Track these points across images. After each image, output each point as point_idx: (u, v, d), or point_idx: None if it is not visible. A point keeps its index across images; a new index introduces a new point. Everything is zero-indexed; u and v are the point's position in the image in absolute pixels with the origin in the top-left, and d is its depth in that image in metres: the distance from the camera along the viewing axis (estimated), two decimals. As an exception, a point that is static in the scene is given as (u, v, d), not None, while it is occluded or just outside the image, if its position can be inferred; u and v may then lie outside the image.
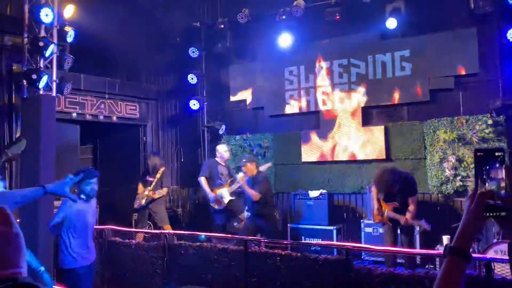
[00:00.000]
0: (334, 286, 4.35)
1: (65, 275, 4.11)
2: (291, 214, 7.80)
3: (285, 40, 7.99)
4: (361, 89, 7.78)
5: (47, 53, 6.17)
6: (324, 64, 8.16)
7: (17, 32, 6.54)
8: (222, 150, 7.53)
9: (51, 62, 6.46)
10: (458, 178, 6.71)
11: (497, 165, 1.14)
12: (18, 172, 6.53)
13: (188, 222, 9.00)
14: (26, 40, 6.28)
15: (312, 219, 7.39)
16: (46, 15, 6.13)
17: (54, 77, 6.49)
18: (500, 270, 4.08)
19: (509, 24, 6.39)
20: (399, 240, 5.67)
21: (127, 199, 8.01)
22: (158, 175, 7.68)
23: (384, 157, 7.38)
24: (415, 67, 7.32)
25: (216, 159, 7.51)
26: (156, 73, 9.56)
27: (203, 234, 5.93)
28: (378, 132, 7.53)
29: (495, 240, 5.28)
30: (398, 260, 5.74)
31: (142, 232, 6.89)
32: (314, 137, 8.11)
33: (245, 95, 8.96)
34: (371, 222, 6.68)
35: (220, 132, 8.86)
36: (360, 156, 7.66)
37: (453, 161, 6.70)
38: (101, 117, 8.40)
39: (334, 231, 7.18)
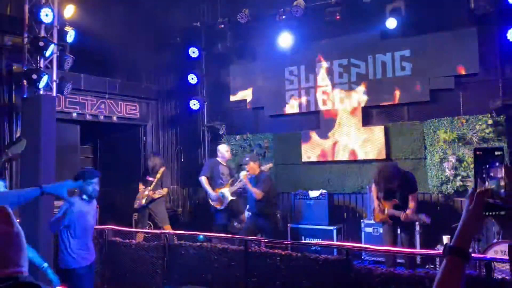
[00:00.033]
0: (334, 286, 4.35)
1: (65, 275, 4.10)
2: (291, 214, 7.80)
3: (285, 40, 7.99)
4: (361, 89, 7.78)
5: (47, 53, 6.17)
6: (324, 64, 8.17)
7: (17, 32, 6.54)
8: (224, 150, 7.52)
9: (51, 62, 6.46)
10: (458, 178, 6.71)
11: (497, 163, 1.14)
12: (18, 172, 6.53)
13: (188, 222, 9.00)
14: (26, 40, 6.28)
15: (312, 219, 7.39)
16: (46, 15, 6.13)
17: (54, 77, 6.50)
18: (500, 270, 4.07)
19: (509, 24, 6.39)
20: (399, 240, 5.67)
21: (127, 199, 8.02)
22: (158, 175, 7.68)
23: (384, 157, 7.38)
24: (415, 67, 7.32)
25: (218, 159, 7.49)
26: (156, 73, 9.56)
27: (201, 235, 5.94)
28: (378, 132, 7.53)
29: (495, 240, 5.28)
30: (398, 260, 5.74)
31: (142, 232, 6.89)
32: (314, 136, 8.11)
33: (245, 95, 8.96)
34: (371, 222, 6.69)
35: (220, 132, 8.86)
36: (360, 156, 7.66)
37: (453, 161, 6.70)
38: (101, 117, 8.41)
39: (334, 231, 7.18)
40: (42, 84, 6.14)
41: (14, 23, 6.64)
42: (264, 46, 8.55)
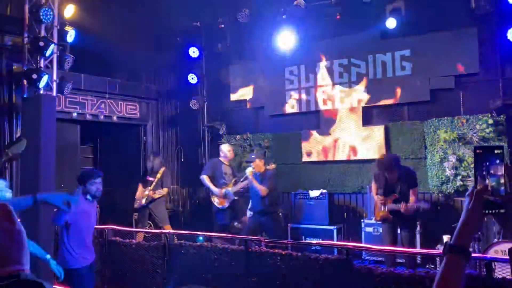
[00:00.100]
0: (335, 285, 4.34)
1: (66, 275, 4.10)
2: (292, 214, 7.80)
3: (285, 39, 7.98)
4: (361, 89, 7.78)
5: (47, 53, 6.17)
6: (324, 64, 8.17)
7: (17, 32, 6.54)
8: (226, 149, 7.48)
9: (51, 62, 6.47)
10: (459, 177, 6.71)
11: (497, 161, 1.14)
12: (18, 172, 6.53)
13: (188, 222, 9.00)
14: (26, 40, 6.29)
15: (312, 219, 7.40)
16: (46, 15, 6.13)
17: (55, 77, 6.50)
18: (500, 270, 4.07)
19: (509, 24, 6.38)
20: (399, 240, 5.67)
21: (127, 199, 8.01)
22: (158, 175, 7.67)
23: (384, 156, 7.38)
24: (415, 66, 7.32)
25: (220, 158, 7.45)
26: (156, 73, 9.56)
27: (201, 236, 5.93)
28: (378, 131, 7.53)
29: (495, 240, 5.28)
30: (399, 260, 5.74)
31: (142, 232, 6.89)
32: (314, 134, 8.11)
33: (246, 95, 8.96)
34: (371, 221, 6.69)
35: (220, 132, 8.86)
36: (361, 156, 7.66)
37: (453, 160, 6.70)
38: (102, 117, 8.40)
39: (335, 231, 7.18)
40: (42, 84, 6.14)
41: (14, 23, 6.64)
42: (264, 45, 8.53)
